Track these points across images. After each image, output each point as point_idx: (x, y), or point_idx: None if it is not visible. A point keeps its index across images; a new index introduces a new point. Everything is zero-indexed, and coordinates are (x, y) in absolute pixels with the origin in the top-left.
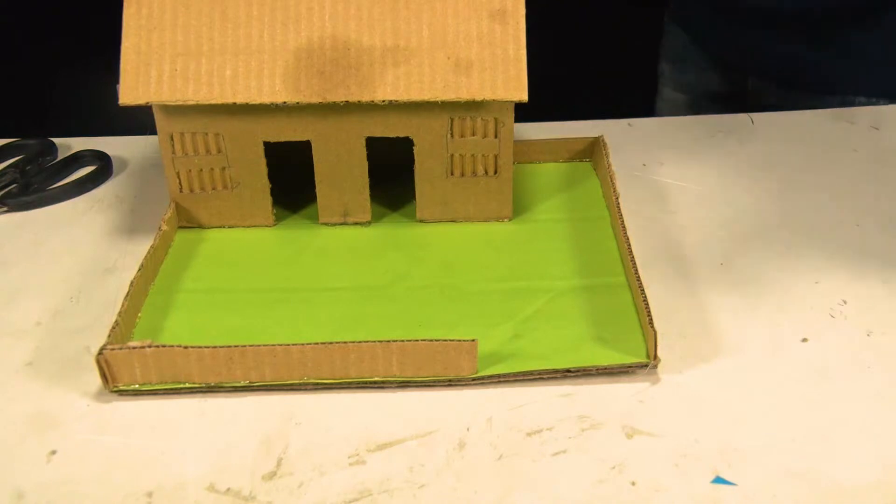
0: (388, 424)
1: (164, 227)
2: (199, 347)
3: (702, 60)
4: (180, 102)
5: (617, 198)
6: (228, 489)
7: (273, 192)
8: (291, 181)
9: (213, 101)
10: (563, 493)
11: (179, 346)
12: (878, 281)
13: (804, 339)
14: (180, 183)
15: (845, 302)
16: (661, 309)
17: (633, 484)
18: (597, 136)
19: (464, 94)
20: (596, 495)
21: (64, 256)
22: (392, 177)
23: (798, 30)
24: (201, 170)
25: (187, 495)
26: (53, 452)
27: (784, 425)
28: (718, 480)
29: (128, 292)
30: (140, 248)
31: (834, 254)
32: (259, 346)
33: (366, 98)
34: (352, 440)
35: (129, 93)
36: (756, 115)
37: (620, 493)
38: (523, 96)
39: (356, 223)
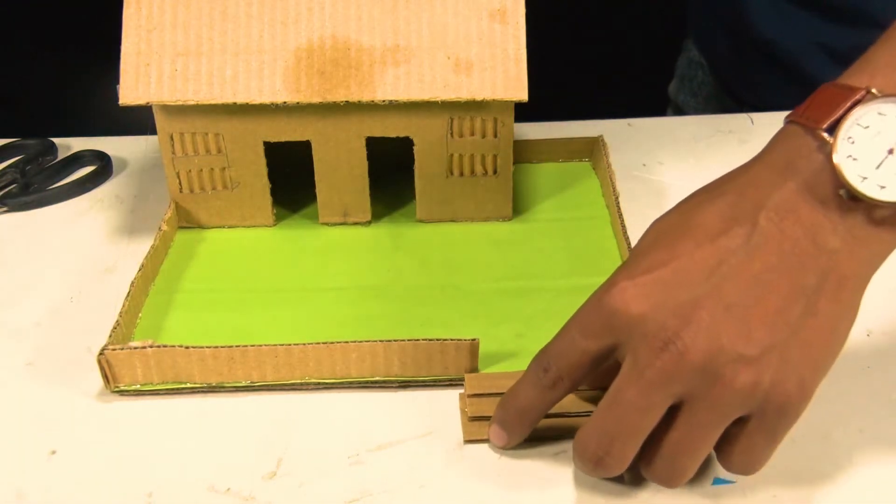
0: (388, 424)
1: (164, 227)
2: (201, 347)
3: (714, 89)
4: (180, 102)
5: (617, 198)
6: (228, 489)
7: (273, 192)
8: (291, 181)
9: (214, 101)
10: (563, 493)
11: (180, 346)
12: (878, 280)
13: None
14: (180, 183)
15: None
16: None
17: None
18: (597, 136)
19: (464, 94)
20: (596, 496)
21: (64, 256)
22: (392, 177)
23: (815, 68)
24: (201, 170)
25: (187, 495)
26: (53, 452)
27: None
28: (718, 482)
29: (128, 292)
30: (140, 248)
31: None
32: (260, 345)
33: (366, 98)
34: (352, 440)
35: (129, 93)
36: (756, 115)
37: (621, 493)
38: (523, 96)
39: (356, 223)
